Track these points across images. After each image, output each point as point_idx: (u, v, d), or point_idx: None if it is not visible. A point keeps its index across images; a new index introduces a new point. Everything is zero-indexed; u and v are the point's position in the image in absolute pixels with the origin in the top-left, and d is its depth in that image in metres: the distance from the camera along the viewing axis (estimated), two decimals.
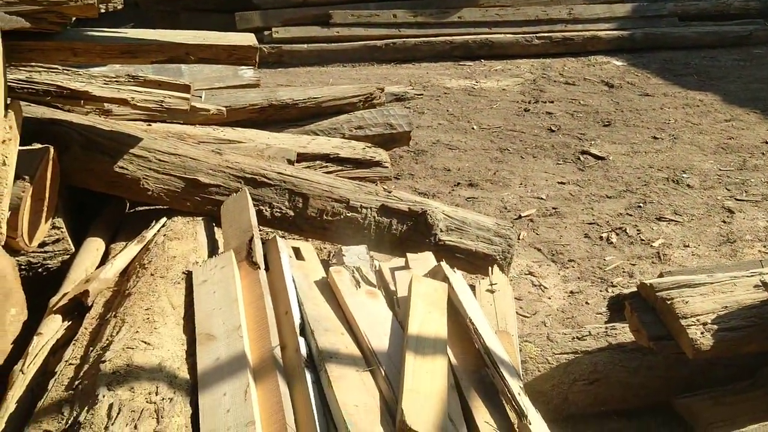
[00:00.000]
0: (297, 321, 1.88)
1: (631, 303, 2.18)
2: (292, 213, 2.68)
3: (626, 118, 5.24)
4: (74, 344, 1.87)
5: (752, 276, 2.16)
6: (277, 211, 2.67)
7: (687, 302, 2.03)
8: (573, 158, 4.49)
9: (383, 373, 1.72)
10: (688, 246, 3.44)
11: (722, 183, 4.12)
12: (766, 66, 6.55)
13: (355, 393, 1.65)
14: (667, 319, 2.06)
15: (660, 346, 2.08)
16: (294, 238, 2.80)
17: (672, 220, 3.68)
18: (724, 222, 3.67)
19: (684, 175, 4.21)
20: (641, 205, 3.85)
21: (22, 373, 1.84)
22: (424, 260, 2.39)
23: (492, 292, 2.45)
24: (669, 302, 2.03)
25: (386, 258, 2.62)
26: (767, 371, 2.19)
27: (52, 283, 2.31)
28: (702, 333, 1.96)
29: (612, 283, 3.14)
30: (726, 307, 2.04)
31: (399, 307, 2.07)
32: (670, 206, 3.83)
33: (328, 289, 2.11)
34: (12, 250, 2.17)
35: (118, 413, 1.46)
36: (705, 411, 2.10)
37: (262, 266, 2.10)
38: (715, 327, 1.98)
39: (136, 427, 1.45)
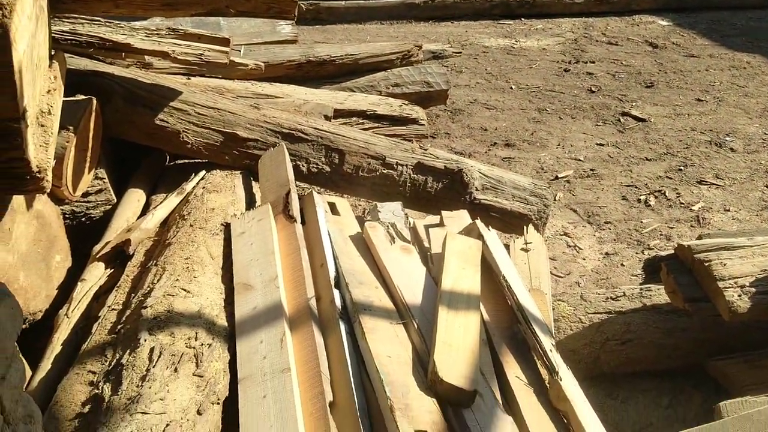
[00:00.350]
0: (332, 274, 1.91)
1: (668, 264, 2.16)
2: (328, 169, 2.70)
3: (670, 79, 5.12)
4: (116, 291, 1.93)
5: None
6: (313, 167, 2.69)
7: (725, 264, 2.00)
8: (613, 120, 4.42)
9: (416, 326, 1.74)
10: (728, 210, 3.38)
11: (766, 147, 4.02)
12: None
13: (388, 344, 1.67)
14: (704, 281, 2.04)
15: (695, 308, 2.06)
16: (330, 194, 2.82)
17: (713, 184, 3.61)
18: (767, 187, 3.59)
19: (727, 139, 4.11)
20: (682, 168, 3.78)
21: (67, 317, 1.90)
22: (458, 218, 2.40)
23: (526, 251, 2.45)
24: (707, 264, 2.01)
25: (421, 215, 2.63)
26: None
27: (94, 232, 2.37)
28: (739, 296, 1.94)
29: (648, 245, 3.11)
30: (765, 270, 2.01)
31: (432, 263, 2.09)
32: (712, 170, 3.76)
33: (362, 244, 2.13)
34: (57, 198, 2.23)
35: (159, 356, 1.51)
36: (739, 374, 2.09)
37: (299, 220, 2.12)
38: (753, 290, 1.96)
39: (176, 370, 1.50)
